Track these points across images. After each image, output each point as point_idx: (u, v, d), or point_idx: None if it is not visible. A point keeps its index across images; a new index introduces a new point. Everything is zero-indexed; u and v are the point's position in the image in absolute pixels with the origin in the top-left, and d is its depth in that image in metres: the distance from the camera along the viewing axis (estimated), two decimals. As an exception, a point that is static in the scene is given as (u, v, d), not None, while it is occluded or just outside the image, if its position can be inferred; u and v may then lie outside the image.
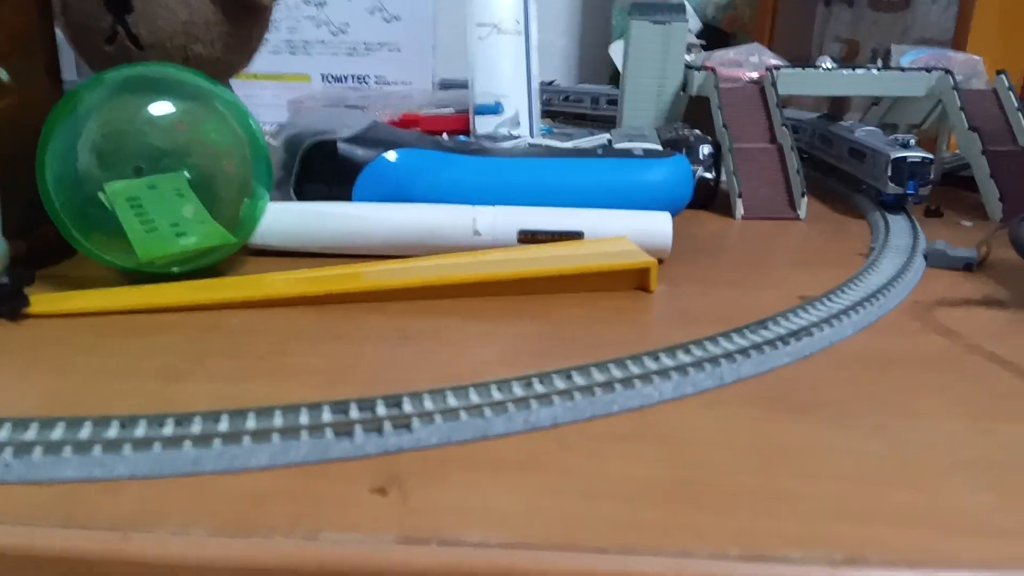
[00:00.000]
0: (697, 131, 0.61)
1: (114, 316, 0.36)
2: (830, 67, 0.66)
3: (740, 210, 0.56)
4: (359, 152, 0.47)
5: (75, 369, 0.31)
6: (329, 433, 0.25)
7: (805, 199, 0.56)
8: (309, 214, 0.44)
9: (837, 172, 0.65)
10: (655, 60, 0.67)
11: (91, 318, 0.36)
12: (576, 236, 0.44)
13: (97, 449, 0.24)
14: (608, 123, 0.77)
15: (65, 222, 0.38)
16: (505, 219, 0.44)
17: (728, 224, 0.55)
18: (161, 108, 0.39)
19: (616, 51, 1.04)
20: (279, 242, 0.44)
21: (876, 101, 0.74)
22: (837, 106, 0.84)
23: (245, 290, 0.38)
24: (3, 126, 0.40)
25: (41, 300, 0.36)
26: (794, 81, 0.64)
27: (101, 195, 0.39)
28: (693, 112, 0.69)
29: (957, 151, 0.71)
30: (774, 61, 0.67)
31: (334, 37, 0.74)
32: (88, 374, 0.30)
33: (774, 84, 0.62)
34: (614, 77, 1.04)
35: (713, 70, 0.64)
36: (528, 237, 0.44)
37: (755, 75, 0.66)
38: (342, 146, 0.47)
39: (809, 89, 0.67)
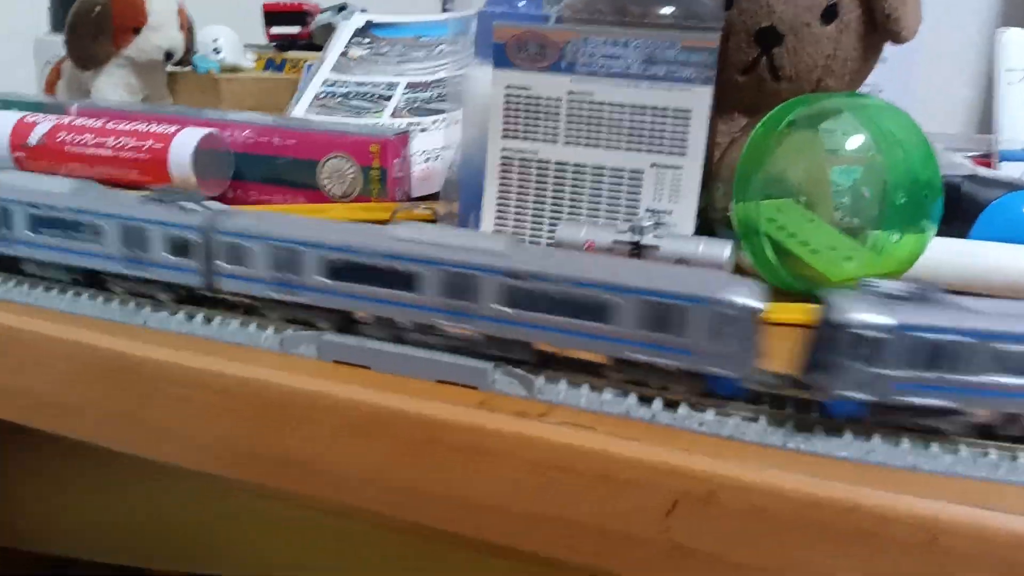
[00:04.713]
0: None
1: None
2: None
3: None
4: (982, 192, 0.46)
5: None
6: None
7: None
8: (950, 252, 0.44)
9: None
10: None
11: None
12: None
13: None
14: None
15: (765, 251, 0.40)
16: None
17: None
18: (857, 140, 0.40)
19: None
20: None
21: None
22: None
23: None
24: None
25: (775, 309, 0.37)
26: None
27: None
28: None
29: None
30: None
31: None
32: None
33: None
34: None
35: None
36: None
37: None
38: (967, 186, 0.46)
39: None
